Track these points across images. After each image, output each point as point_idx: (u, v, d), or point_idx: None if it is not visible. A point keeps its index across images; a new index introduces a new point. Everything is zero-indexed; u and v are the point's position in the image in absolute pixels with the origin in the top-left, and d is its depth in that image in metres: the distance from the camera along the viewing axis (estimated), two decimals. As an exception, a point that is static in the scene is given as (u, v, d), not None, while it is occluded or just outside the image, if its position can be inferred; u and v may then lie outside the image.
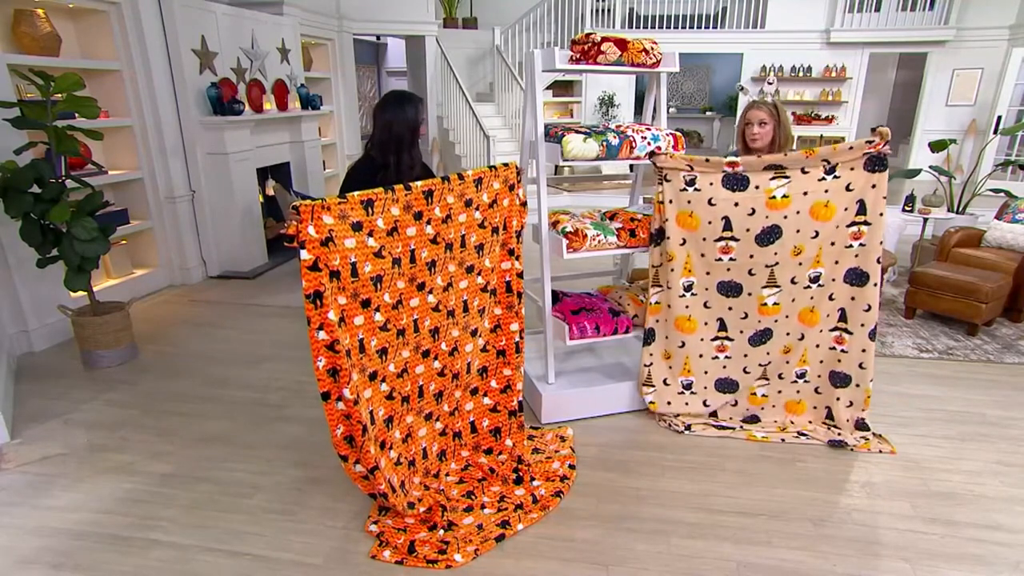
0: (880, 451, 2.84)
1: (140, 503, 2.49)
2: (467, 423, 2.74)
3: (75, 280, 3.46)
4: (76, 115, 3.56)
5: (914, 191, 5.83)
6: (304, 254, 2.03)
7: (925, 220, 5.52)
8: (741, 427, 3.01)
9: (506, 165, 2.62)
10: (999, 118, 9.25)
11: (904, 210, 5.63)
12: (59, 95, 3.35)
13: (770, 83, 9.90)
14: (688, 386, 3.08)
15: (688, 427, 3.00)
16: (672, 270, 2.93)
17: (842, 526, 2.36)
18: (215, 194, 5.26)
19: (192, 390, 3.44)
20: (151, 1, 4.61)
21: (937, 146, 5.86)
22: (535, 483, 2.57)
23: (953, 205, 5.81)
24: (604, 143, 2.86)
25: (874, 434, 2.95)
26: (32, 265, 3.60)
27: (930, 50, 9.71)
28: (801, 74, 10.19)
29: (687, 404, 3.07)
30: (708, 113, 14.06)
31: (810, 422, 3.02)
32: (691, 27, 10.28)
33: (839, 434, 2.91)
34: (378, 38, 10.84)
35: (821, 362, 2.98)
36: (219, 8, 5.20)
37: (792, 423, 3.03)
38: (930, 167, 6.02)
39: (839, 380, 2.95)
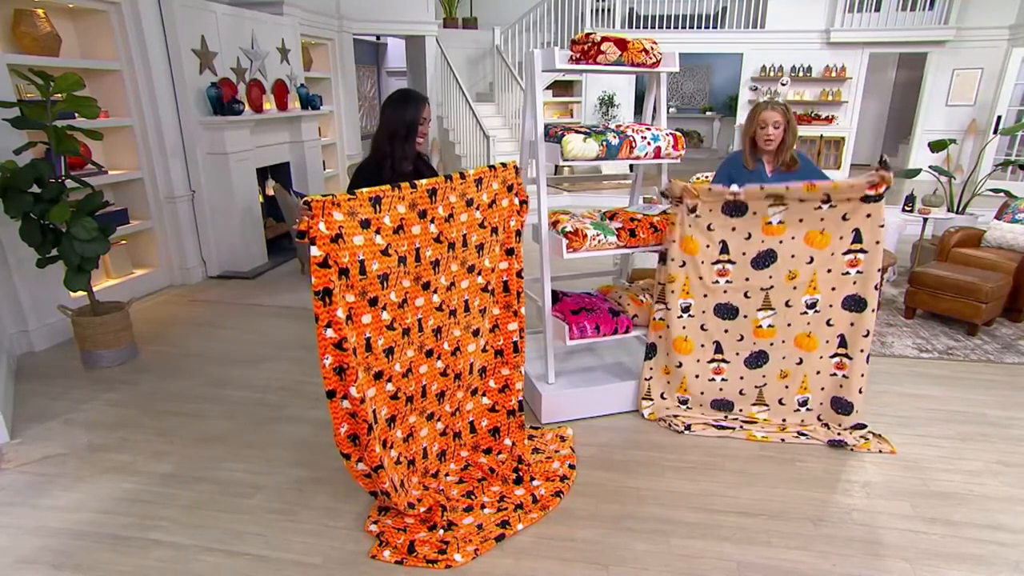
0: (880, 451, 2.84)
1: (140, 503, 2.49)
2: (466, 423, 2.74)
3: (75, 280, 3.46)
4: (76, 115, 3.56)
5: (914, 191, 5.82)
6: (315, 250, 2.04)
7: (925, 220, 5.52)
8: (741, 427, 3.01)
9: (504, 165, 2.62)
10: (999, 118, 9.25)
11: (904, 210, 5.63)
12: (59, 95, 3.35)
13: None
14: (684, 402, 3.11)
15: (688, 427, 3.00)
16: (672, 292, 2.96)
17: (842, 526, 2.36)
18: (215, 194, 5.26)
19: (192, 390, 3.44)
20: (151, 1, 4.61)
21: (937, 146, 5.86)
22: (535, 483, 2.57)
23: (953, 205, 5.81)
24: (604, 143, 2.86)
25: (873, 434, 2.95)
26: (32, 265, 3.60)
27: (930, 50, 9.71)
28: (801, 74, 10.18)
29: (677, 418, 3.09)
30: (708, 113, 14.07)
31: (810, 422, 3.03)
32: (691, 27, 10.28)
33: (839, 434, 2.91)
34: (378, 38, 10.83)
35: (822, 389, 2.99)
36: (219, 8, 5.20)
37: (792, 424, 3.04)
38: (930, 167, 6.03)
39: (842, 407, 2.96)
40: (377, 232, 2.18)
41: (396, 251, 2.24)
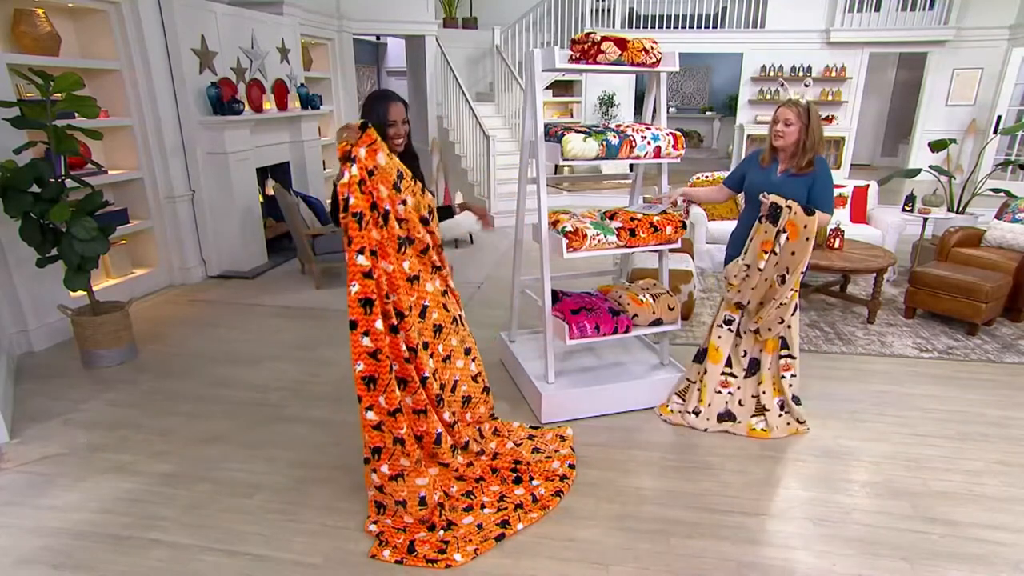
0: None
1: (140, 503, 2.49)
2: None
3: (75, 280, 3.46)
4: (76, 115, 3.56)
5: (914, 191, 5.82)
6: (354, 169, 2.08)
7: (925, 220, 5.52)
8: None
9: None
10: (999, 118, 9.24)
11: (904, 210, 5.62)
12: (58, 94, 3.35)
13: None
14: (697, 412, 3.09)
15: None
16: (723, 300, 3.03)
17: (842, 526, 2.36)
18: (215, 194, 5.26)
19: (192, 390, 3.44)
20: (151, 1, 4.61)
21: (937, 146, 5.86)
22: (535, 483, 2.57)
23: (953, 205, 5.81)
24: (604, 142, 2.86)
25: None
26: (32, 265, 3.60)
27: (930, 50, 9.70)
28: (801, 74, 10.18)
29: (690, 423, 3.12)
30: (708, 113, 14.07)
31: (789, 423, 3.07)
32: (691, 27, 10.27)
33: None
34: (378, 38, 10.83)
35: (782, 391, 3.06)
36: (219, 8, 5.20)
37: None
38: (930, 167, 6.02)
39: (796, 400, 3.09)
40: (403, 203, 2.24)
41: (408, 229, 2.28)
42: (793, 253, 2.75)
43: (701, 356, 3.14)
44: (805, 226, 2.72)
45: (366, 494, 2.48)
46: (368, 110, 2.46)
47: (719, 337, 3.04)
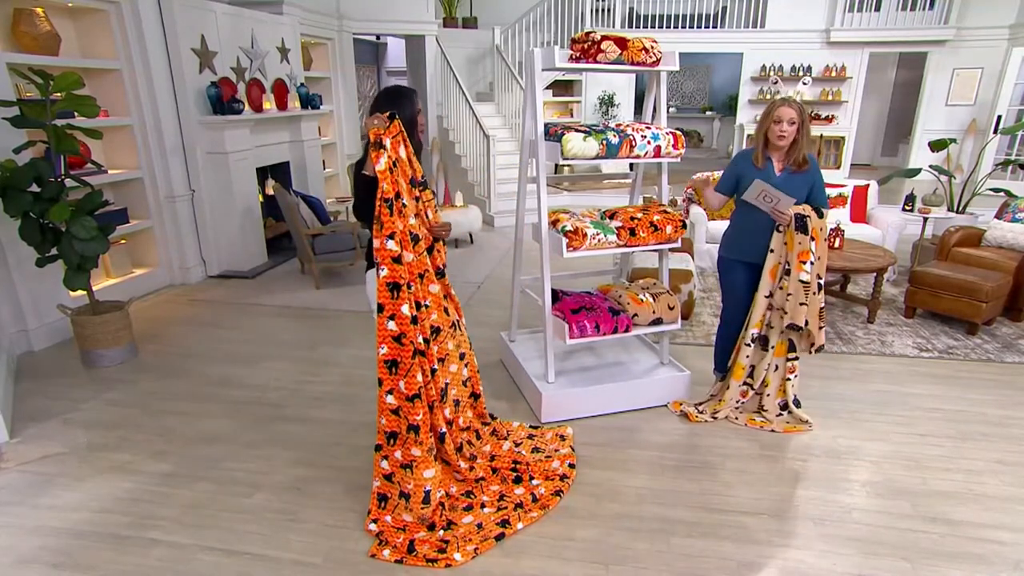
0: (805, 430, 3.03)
1: (140, 502, 2.48)
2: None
3: (74, 279, 3.46)
4: (75, 114, 3.56)
5: (914, 190, 5.82)
6: (385, 156, 2.16)
7: (925, 219, 5.51)
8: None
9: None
10: (999, 117, 9.24)
11: (904, 209, 5.62)
12: (58, 94, 3.35)
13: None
14: (702, 411, 3.19)
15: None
16: (751, 316, 3.03)
17: (842, 526, 2.36)
18: (215, 194, 5.26)
19: (192, 390, 3.44)
20: (151, 0, 4.60)
21: (937, 145, 5.85)
22: (535, 482, 2.57)
23: (953, 204, 5.81)
24: (604, 142, 2.86)
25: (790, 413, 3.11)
26: (31, 264, 3.60)
27: (930, 50, 9.70)
28: (801, 73, 10.18)
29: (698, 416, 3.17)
30: (708, 113, 14.06)
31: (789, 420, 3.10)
32: (691, 27, 10.26)
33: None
34: (378, 38, 10.83)
35: (785, 392, 3.11)
36: (219, 7, 5.20)
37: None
38: (930, 166, 6.02)
39: (796, 402, 3.13)
40: (414, 200, 2.32)
41: (418, 225, 2.34)
42: (819, 258, 2.82)
43: (726, 373, 3.20)
44: (821, 229, 2.82)
45: (366, 492, 2.49)
46: (397, 104, 2.45)
47: (747, 356, 3.07)
